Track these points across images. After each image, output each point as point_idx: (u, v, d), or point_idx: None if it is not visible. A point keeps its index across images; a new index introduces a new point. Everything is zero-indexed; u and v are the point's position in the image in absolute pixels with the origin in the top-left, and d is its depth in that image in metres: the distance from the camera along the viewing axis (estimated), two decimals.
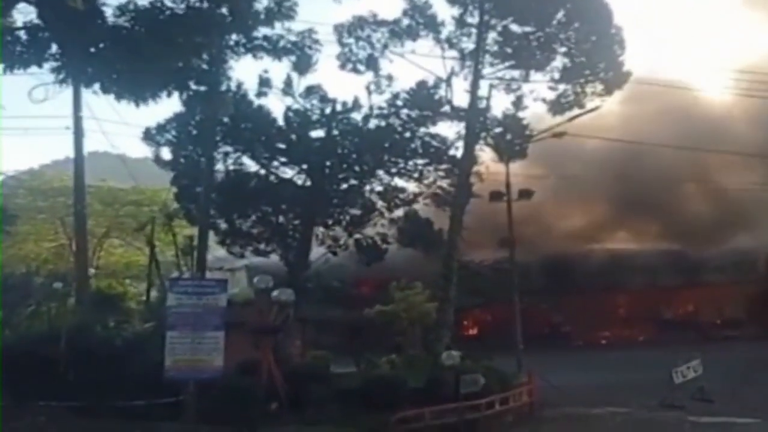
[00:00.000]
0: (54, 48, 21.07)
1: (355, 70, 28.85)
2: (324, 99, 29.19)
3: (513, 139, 29.00)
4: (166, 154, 29.21)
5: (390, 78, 28.90)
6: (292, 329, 22.42)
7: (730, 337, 42.66)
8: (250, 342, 18.93)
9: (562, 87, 28.75)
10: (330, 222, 30.06)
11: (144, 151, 32.18)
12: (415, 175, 30.07)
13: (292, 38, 26.30)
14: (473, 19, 27.85)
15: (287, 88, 28.88)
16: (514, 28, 28.10)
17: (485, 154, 29.47)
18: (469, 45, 28.16)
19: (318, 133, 29.59)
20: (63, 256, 37.99)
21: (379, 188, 30.45)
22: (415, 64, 28.54)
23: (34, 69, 21.10)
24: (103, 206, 38.91)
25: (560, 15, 27.63)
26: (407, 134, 29.60)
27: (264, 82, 28.68)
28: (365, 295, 36.72)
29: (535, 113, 30.55)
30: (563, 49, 28.24)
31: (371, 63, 28.66)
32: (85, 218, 27.13)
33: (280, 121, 29.22)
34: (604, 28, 27.80)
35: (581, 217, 47.89)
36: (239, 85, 28.37)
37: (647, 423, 20.90)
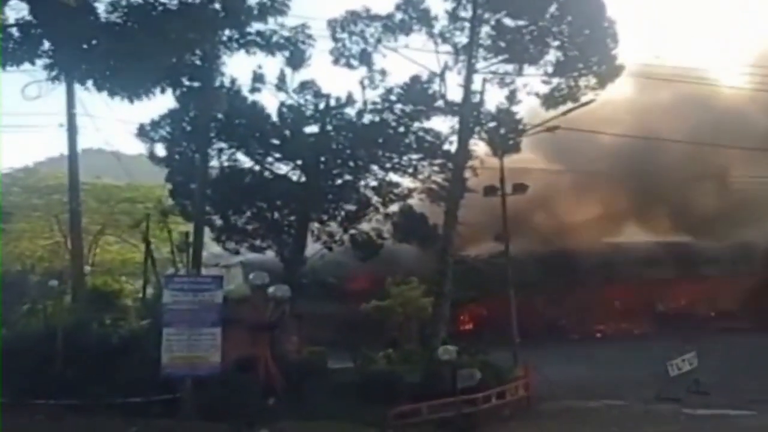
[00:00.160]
0: (46, 45, 20.97)
1: (349, 65, 28.81)
2: (318, 94, 29.11)
3: (507, 134, 29.01)
4: (160, 150, 29.17)
5: (383, 73, 28.85)
6: (288, 325, 22.37)
7: (725, 329, 42.78)
8: (247, 338, 18.93)
9: (555, 81, 28.77)
10: (325, 218, 30.03)
11: (138, 147, 32.12)
12: (410, 170, 30.05)
13: (286, 33, 26.18)
14: (466, 13, 27.83)
15: (281, 84, 28.78)
16: (508, 22, 28.10)
17: (479, 149, 29.50)
18: (462, 39, 28.16)
19: (312, 129, 29.51)
20: (58, 253, 37.90)
21: (373, 183, 30.41)
22: (408, 58, 28.51)
23: (26, 66, 21.04)
24: (98, 203, 38.87)
25: (553, 9, 27.62)
26: (401, 129, 29.57)
27: (257, 78, 28.59)
28: (361, 290, 36.68)
29: (537, 109, 30.47)
30: (556, 43, 28.26)
31: (365, 58, 28.61)
32: (80, 215, 27.09)
33: (274, 117, 29.13)
34: (597, 22, 27.83)
35: (584, 210, 47.92)
36: (233, 81, 28.29)
37: (643, 416, 21.01)
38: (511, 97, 28.94)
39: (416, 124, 29.54)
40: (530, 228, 40.77)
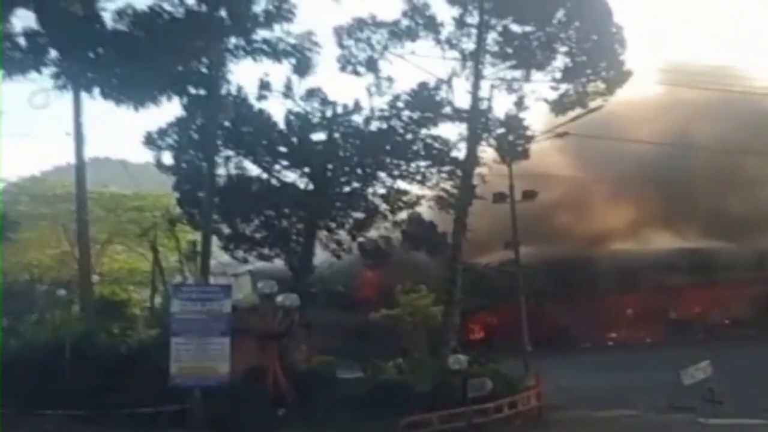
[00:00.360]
0: (53, 53, 21.02)
1: (356, 72, 28.70)
2: (325, 101, 29.03)
3: (515, 140, 28.84)
4: (167, 158, 29.05)
5: (390, 80, 28.75)
6: (297, 334, 22.29)
7: (739, 337, 42.33)
8: (256, 348, 18.80)
9: (563, 87, 28.60)
10: (333, 225, 29.88)
11: (145, 156, 32.08)
12: (418, 177, 29.87)
13: (292, 41, 26.20)
14: (473, 19, 27.71)
15: (287, 91, 28.71)
16: (515, 28, 27.97)
17: (488, 155, 29.33)
18: (469, 45, 28.02)
19: (319, 136, 29.43)
20: (66, 263, 37.83)
21: (381, 191, 30.27)
22: (415, 65, 28.42)
23: (33, 75, 21.08)
24: (106, 212, 38.76)
25: (560, 14, 27.51)
26: (409, 136, 29.42)
27: (264, 86, 28.51)
28: (370, 299, 36.54)
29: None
30: (564, 49, 28.11)
31: (371, 65, 28.52)
32: (87, 224, 27.04)
33: (281, 125, 29.06)
34: (604, 27, 27.69)
35: (608, 216, 47.64)
36: (239, 89, 28.21)
37: (656, 425, 20.73)
38: (519, 104, 28.75)
39: (424, 131, 29.40)
40: (543, 235, 40.39)
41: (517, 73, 28.75)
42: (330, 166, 29.21)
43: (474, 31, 27.71)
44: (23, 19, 20.77)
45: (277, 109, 29.54)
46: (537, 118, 30.67)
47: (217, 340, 15.82)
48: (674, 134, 42.56)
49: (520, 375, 23.66)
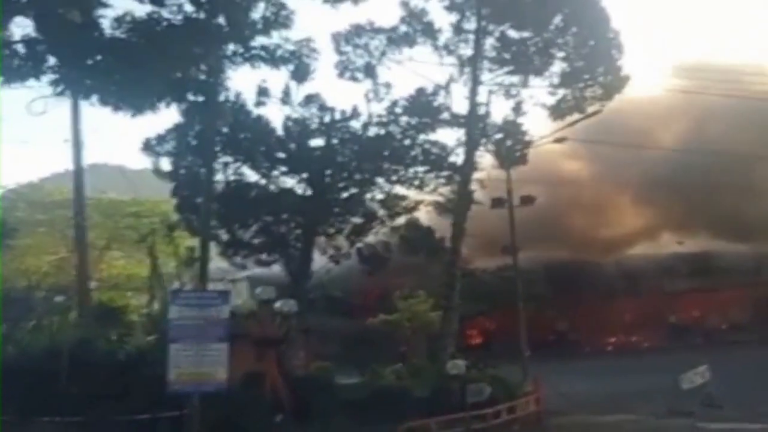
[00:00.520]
0: (52, 60, 20.97)
1: (354, 78, 28.84)
2: (323, 107, 29.10)
3: (513, 145, 28.91)
4: (165, 165, 29.15)
5: (388, 85, 28.91)
6: (295, 340, 22.24)
7: (737, 341, 42.37)
8: (254, 354, 18.78)
9: (561, 92, 28.73)
10: (331, 231, 29.92)
11: (143, 162, 32.08)
12: (416, 182, 29.94)
13: (290, 47, 26.14)
14: (471, 25, 27.85)
15: (286, 97, 28.79)
16: (512, 33, 28.11)
17: (485, 160, 29.40)
18: (467, 51, 28.17)
19: (317, 142, 29.51)
20: (64, 269, 37.72)
21: (380, 196, 30.35)
22: (413, 71, 28.58)
23: (32, 82, 21.02)
24: (104, 218, 38.69)
25: (558, 20, 27.64)
26: (407, 142, 29.50)
27: (262, 92, 28.60)
28: (368, 304, 36.53)
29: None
30: (562, 54, 28.26)
31: (369, 71, 28.62)
32: (85, 231, 27.01)
33: (280, 131, 29.14)
34: (601, 33, 27.84)
35: (619, 220, 47.68)
36: (238, 95, 28.35)
37: (656, 430, 20.72)
38: (517, 109, 28.93)
39: (422, 137, 29.49)
40: (541, 240, 40.43)
41: (515, 79, 28.93)
42: (328, 172, 29.26)
43: (472, 36, 27.85)
44: (22, 27, 20.77)
45: (275, 115, 29.79)
46: (538, 122, 30.74)
47: (215, 346, 15.72)
48: (681, 138, 42.58)
49: (519, 380, 23.67)
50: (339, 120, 29.19)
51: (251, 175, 29.70)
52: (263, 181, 29.72)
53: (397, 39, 28.17)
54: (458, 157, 28.67)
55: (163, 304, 31.40)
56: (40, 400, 17.51)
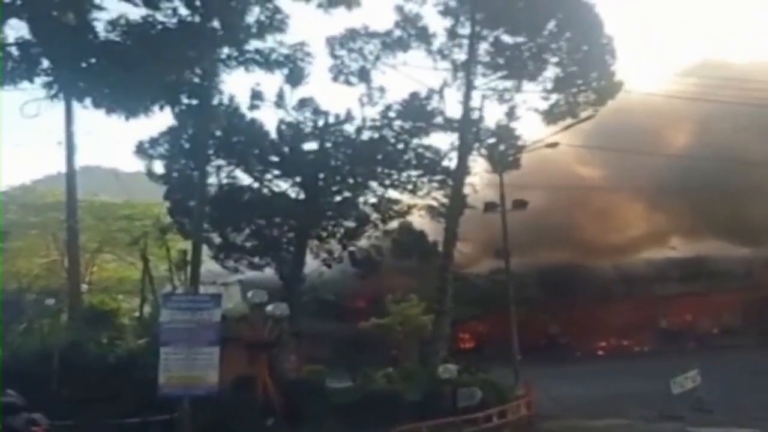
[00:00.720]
0: (45, 63, 20.95)
1: (348, 82, 28.85)
2: (317, 111, 29.12)
3: (506, 150, 28.97)
4: (158, 167, 29.13)
5: (382, 90, 28.92)
6: (287, 344, 22.26)
7: (728, 346, 42.50)
8: (245, 357, 18.77)
9: (554, 97, 28.79)
10: (324, 235, 29.92)
11: (136, 165, 32.07)
12: (409, 186, 29.96)
13: (284, 51, 26.15)
14: (465, 30, 27.90)
15: (280, 101, 28.80)
16: (506, 38, 28.16)
17: (479, 165, 29.46)
18: (461, 56, 28.21)
19: (311, 146, 29.50)
20: (55, 271, 37.70)
21: (373, 200, 30.37)
22: (407, 75, 28.58)
23: (25, 84, 20.99)
24: (96, 221, 38.65)
25: (551, 25, 27.68)
26: (400, 146, 29.53)
27: (256, 95, 28.60)
28: (360, 308, 36.51)
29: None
30: (555, 59, 28.31)
31: (363, 75, 28.65)
32: (77, 233, 26.97)
33: (273, 134, 29.13)
34: (595, 38, 27.89)
35: (592, 227, 47.76)
36: (231, 99, 28.32)
37: None
38: (511, 114, 28.96)
39: (415, 141, 29.52)
40: (533, 244, 40.48)
41: (509, 84, 29.01)
42: (321, 176, 29.27)
43: (465, 41, 27.90)
44: (16, 29, 20.74)
45: (269, 118, 29.75)
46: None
47: (207, 350, 15.73)
48: (685, 142, 42.55)
49: (510, 384, 23.66)
50: (333, 124, 29.21)
51: (244, 179, 29.76)
52: (256, 185, 29.72)
53: (391, 43, 28.20)
54: (451, 162, 28.74)
55: (154, 307, 31.45)
56: (31, 402, 17.45)
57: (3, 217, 33.54)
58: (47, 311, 29.93)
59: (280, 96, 28.71)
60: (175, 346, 15.65)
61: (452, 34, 28.03)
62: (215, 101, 26.20)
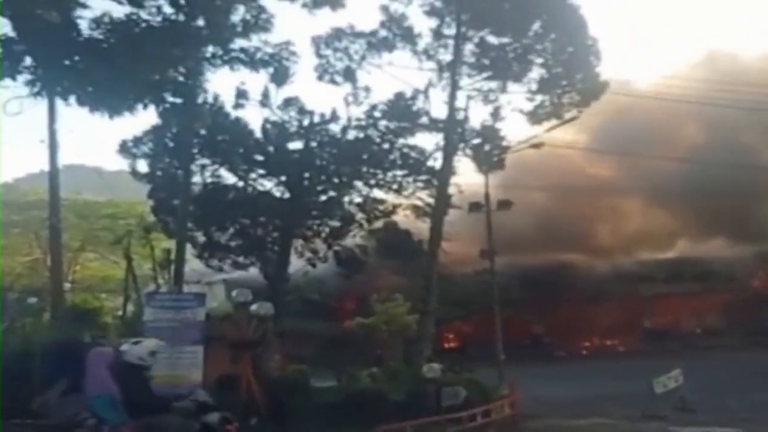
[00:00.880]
0: (28, 60, 20.82)
1: (333, 82, 28.82)
2: (302, 111, 29.04)
3: (491, 150, 29.07)
4: (142, 166, 28.92)
5: (368, 89, 28.89)
6: (271, 343, 22.17)
7: (712, 346, 42.87)
8: (229, 356, 18.70)
9: (539, 98, 28.91)
10: (309, 234, 29.87)
11: (120, 163, 31.92)
12: (394, 186, 29.96)
13: (270, 50, 26.14)
14: (450, 30, 27.93)
15: (265, 100, 28.69)
16: (491, 39, 28.23)
17: (464, 165, 29.54)
18: (446, 56, 28.27)
19: (296, 145, 29.46)
20: (37, 270, 37.38)
21: (358, 200, 30.34)
22: (392, 75, 28.61)
23: (8, 82, 20.85)
24: (79, 219, 38.34)
25: (536, 26, 27.77)
26: (385, 146, 29.53)
27: (241, 94, 28.47)
28: (345, 307, 36.50)
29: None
30: (540, 60, 28.41)
31: (349, 74, 28.62)
32: (60, 232, 26.67)
33: (258, 133, 29.04)
34: (580, 39, 28.01)
35: (578, 228, 48.01)
36: (216, 97, 28.20)
37: None
38: (495, 114, 29.04)
39: (400, 141, 29.54)
40: (518, 244, 40.62)
41: (494, 84, 29.06)
42: (306, 175, 29.22)
43: (451, 42, 27.94)
44: None
45: (254, 117, 29.64)
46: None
47: (190, 349, 15.72)
48: (687, 145, 42.80)
49: (495, 384, 23.76)
50: (318, 123, 29.17)
51: (229, 178, 29.66)
52: (241, 184, 29.64)
53: (376, 43, 28.19)
54: (436, 162, 28.77)
55: (137, 306, 31.27)
56: (13, 402, 17.30)
57: None
58: (29, 310, 29.69)
59: (265, 95, 28.63)
60: None
61: (438, 34, 28.07)
62: (200, 100, 26.12)
